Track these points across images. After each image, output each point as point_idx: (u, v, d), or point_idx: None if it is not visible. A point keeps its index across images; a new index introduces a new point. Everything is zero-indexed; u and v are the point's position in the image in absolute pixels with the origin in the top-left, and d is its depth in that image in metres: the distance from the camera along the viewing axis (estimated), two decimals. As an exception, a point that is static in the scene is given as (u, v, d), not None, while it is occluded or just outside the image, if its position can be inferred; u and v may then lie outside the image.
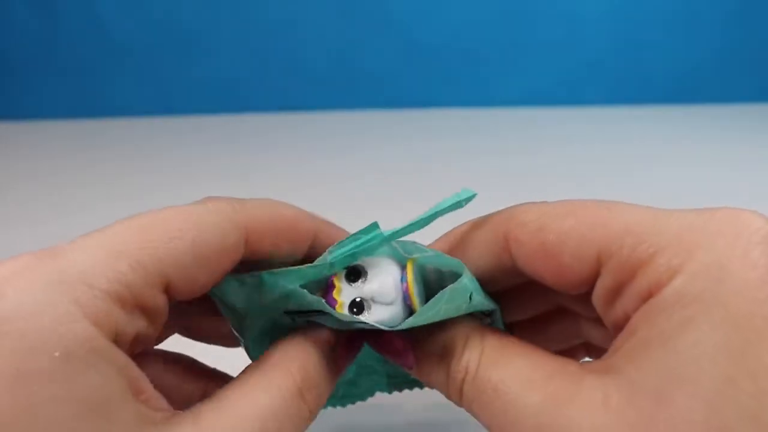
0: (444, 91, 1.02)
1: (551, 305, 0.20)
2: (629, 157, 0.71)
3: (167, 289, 0.15)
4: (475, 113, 0.98)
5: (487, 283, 0.18)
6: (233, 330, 0.18)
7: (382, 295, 0.16)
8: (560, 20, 0.99)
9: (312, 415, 0.16)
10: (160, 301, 0.15)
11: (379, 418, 0.27)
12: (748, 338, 0.12)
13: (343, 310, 0.16)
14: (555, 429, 0.13)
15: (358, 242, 0.17)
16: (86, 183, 0.65)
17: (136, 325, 0.14)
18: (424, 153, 0.74)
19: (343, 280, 0.17)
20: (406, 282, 0.16)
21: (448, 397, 0.17)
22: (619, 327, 0.15)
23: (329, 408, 0.23)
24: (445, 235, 0.19)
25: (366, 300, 0.16)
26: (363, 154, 0.75)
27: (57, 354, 0.12)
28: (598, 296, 0.16)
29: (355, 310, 0.16)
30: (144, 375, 0.14)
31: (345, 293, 0.16)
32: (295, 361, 0.16)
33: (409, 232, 0.17)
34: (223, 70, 0.99)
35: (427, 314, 0.16)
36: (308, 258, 0.18)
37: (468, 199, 0.17)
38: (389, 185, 0.62)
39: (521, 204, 0.17)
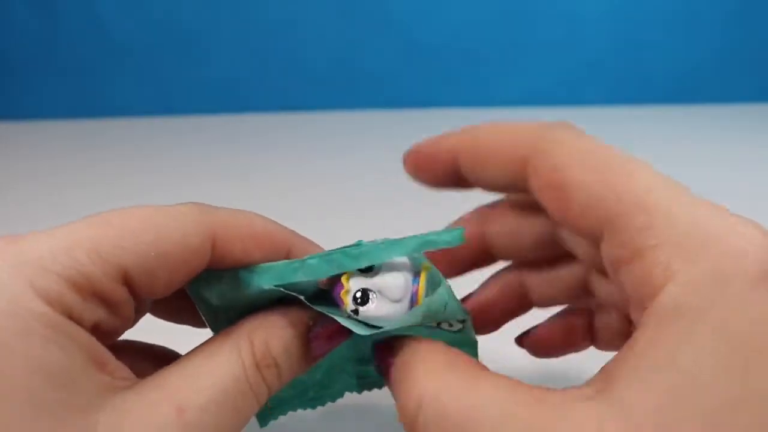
0: (444, 91, 1.02)
1: (560, 249, 0.20)
2: (629, 157, 0.71)
3: (129, 283, 0.15)
4: (475, 113, 0.98)
5: (498, 188, 0.18)
6: (207, 324, 0.18)
7: (390, 290, 0.16)
8: (560, 20, 0.99)
9: (269, 393, 0.16)
10: (120, 293, 0.15)
11: (373, 423, 0.27)
12: (750, 358, 0.12)
13: (347, 297, 0.16)
14: None
15: (339, 249, 0.17)
16: (86, 183, 0.65)
17: (95, 313, 0.14)
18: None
19: (356, 271, 0.17)
20: (418, 284, 0.16)
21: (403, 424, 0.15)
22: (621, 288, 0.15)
23: (314, 411, 0.23)
24: (469, 130, 0.18)
25: (373, 291, 0.16)
26: (363, 154, 0.75)
27: (15, 329, 0.12)
28: (603, 255, 0.15)
29: (359, 300, 0.16)
30: (107, 349, 0.14)
31: (354, 282, 0.16)
32: (259, 335, 0.16)
33: (392, 254, 0.16)
34: (223, 70, 0.99)
35: (408, 322, 0.16)
36: None
37: (449, 243, 0.16)
38: (389, 185, 0.62)
39: (553, 125, 0.17)
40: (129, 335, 0.18)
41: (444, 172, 0.19)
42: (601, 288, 0.20)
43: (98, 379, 0.13)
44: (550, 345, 0.21)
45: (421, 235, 0.16)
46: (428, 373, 0.15)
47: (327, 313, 0.16)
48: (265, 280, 0.17)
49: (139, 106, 0.99)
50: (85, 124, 0.94)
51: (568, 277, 0.20)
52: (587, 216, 0.15)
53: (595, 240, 0.15)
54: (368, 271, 0.16)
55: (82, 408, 0.13)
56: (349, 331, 0.17)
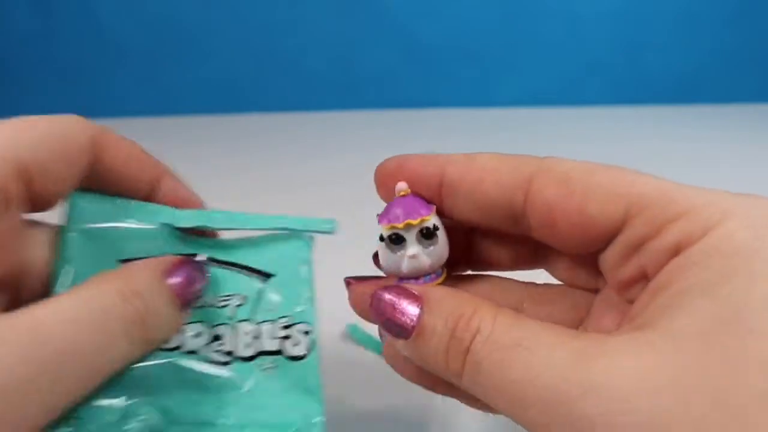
0: (444, 91, 1.02)
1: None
2: (629, 157, 0.71)
3: (27, 180, 0.17)
4: (475, 113, 0.98)
5: (482, 214, 0.18)
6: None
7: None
8: (560, 20, 0.99)
9: (141, 319, 0.17)
10: (17, 188, 0.16)
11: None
12: None
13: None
14: (588, 381, 0.12)
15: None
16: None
17: None
18: (424, 153, 0.74)
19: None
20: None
21: (444, 367, 0.15)
22: (628, 284, 0.15)
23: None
24: (465, 155, 0.18)
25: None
26: (363, 154, 0.75)
27: None
28: (613, 252, 0.16)
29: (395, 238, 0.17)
30: None
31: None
32: (121, 274, 0.17)
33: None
34: (223, 70, 0.99)
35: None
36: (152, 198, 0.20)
37: (324, 231, 0.19)
38: (389, 185, 0.62)
39: (548, 157, 0.17)
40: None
41: (426, 186, 0.18)
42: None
43: None
44: None
45: (303, 219, 0.20)
46: (482, 312, 0.15)
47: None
48: (183, 221, 0.19)
49: (139, 106, 0.99)
50: (85, 124, 0.94)
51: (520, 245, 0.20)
52: (606, 210, 0.15)
53: (606, 239, 0.16)
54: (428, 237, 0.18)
55: None
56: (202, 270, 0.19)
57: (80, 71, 0.98)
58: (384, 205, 0.18)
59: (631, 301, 0.16)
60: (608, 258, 0.16)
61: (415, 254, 0.17)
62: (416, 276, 0.18)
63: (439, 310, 0.16)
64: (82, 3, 0.94)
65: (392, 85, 1.01)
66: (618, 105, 1.03)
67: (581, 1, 0.98)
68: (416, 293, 0.16)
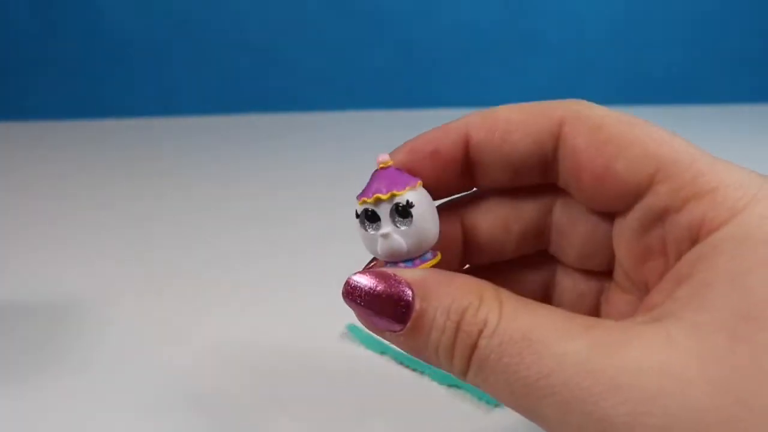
0: (444, 91, 1.02)
1: (534, 248, 0.19)
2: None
3: None
4: (475, 113, 0.98)
5: (514, 171, 0.16)
6: None
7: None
8: (560, 20, 0.99)
9: None
10: None
11: None
12: None
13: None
14: (610, 379, 0.12)
15: None
16: (86, 183, 0.65)
17: None
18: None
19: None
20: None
21: (447, 364, 0.14)
22: (644, 257, 0.15)
23: None
24: (483, 112, 0.17)
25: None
26: (363, 154, 0.75)
27: None
28: (633, 218, 0.15)
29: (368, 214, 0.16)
30: None
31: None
32: None
33: None
34: (224, 70, 0.99)
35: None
36: None
37: None
38: (389, 185, 0.62)
39: (578, 100, 0.16)
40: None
41: (451, 158, 0.17)
42: (568, 284, 0.19)
43: None
44: None
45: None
46: (488, 300, 0.14)
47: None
48: None
49: (139, 106, 0.99)
50: (85, 124, 0.94)
51: (536, 278, 0.19)
52: (633, 169, 0.14)
53: (628, 200, 0.15)
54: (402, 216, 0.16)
55: None
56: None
57: (80, 71, 0.98)
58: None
59: (644, 283, 0.15)
60: (628, 223, 0.15)
61: (388, 232, 0.15)
62: (395, 260, 0.15)
63: (438, 298, 0.14)
64: (82, 3, 0.94)
65: (392, 85, 1.01)
66: (618, 105, 1.03)
67: (581, 1, 0.98)
68: (403, 277, 0.14)
